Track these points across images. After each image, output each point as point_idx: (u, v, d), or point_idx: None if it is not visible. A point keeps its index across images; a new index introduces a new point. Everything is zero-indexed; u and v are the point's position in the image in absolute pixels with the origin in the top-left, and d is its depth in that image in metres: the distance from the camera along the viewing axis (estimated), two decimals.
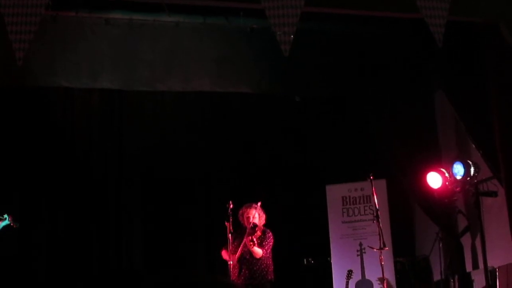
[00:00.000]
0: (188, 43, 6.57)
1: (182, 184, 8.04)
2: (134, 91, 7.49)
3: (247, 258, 6.36)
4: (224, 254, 6.46)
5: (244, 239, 6.31)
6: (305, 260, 7.88)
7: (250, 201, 6.60)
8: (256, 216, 6.47)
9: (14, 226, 6.33)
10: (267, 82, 6.96)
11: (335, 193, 7.96)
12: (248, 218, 6.45)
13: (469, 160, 7.00)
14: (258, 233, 6.45)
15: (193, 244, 7.94)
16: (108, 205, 7.84)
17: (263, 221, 6.57)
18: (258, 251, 6.33)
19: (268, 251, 6.43)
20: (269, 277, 6.40)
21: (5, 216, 6.26)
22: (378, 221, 6.37)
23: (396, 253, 7.64)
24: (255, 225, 6.43)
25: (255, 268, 6.34)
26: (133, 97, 7.95)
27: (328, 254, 7.79)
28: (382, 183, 7.56)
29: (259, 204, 6.52)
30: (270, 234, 6.51)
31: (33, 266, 7.43)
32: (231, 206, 6.38)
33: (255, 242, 6.29)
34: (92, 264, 7.61)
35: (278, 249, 6.68)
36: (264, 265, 6.39)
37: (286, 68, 6.50)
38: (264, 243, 6.41)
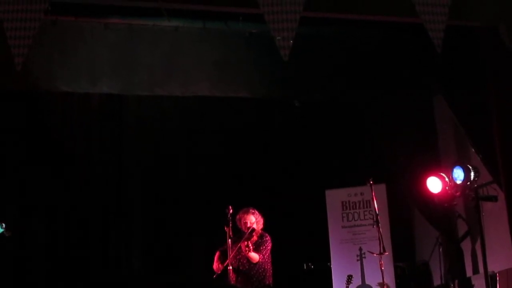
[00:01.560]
0: (188, 48, 6.57)
1: (182, 188, 8.04)
2: (133, 95, 7.50)
3: (243, 263, 6.34)
4: (215, 263, 6.41)
5: (240, 244, 6.28)
6: (305, 265, 7.86)
7: (249, 205, 6.58)
8: (253, 220, 6.45)
9: (7, 235, 6.28)
10: (266, 86, 6.96)
11: (334, 198, 7.95)
12: (246, 223, 6.44)
13: (469, 164, 6.98)
14: (255, 238, 6.42)
15: (192, 248, 7.93)
16: (107, 209, 7.83)
17: (261, 225, 6.55)
18: (254, 256, 6.30)
19: (265, 255, 6.40)
20: (267, 282, 6.38)
21: None
22: (378, 225, 6.36)
23: (396, 258, 7.63)
24: (253, 230, 6.41)
25: (252, 273, 6.32)
26: (133, 102, 7.95)
27: (328, 259, 7.78)
28: (382, 187, 7.55)
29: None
30: (268, 238, 6.48)
31: (32, 269, 7.42)
32: (231, 211, 6.36)
33: (251, 247, 6.25)
34: (91, 267, 7.60)
35: (278, 254, 6.66)
36: (262, 269, 6.37)
37: (285, 72, 6.49)
38: (261, 248, 6.38)
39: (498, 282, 6.56)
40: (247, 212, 6.47)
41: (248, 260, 6.32)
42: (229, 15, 6.26)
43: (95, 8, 6.21)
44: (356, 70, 6.94)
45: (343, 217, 7.89)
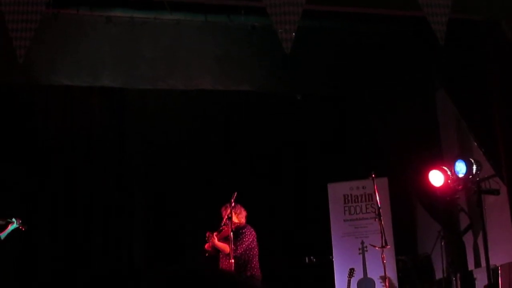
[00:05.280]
0: (190, 41, 6.56)
1: (183, 181, 8.05)
2: (135, 89, 7.49)
3: (224, 255, 6.39)
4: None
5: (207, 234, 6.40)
6: (307, 258, 7.86)
7: (251, 198, 6.59)
8: (232, 214, 6.46)
9: (23, 229, 6.46)
10: (268, 80, 6.95)
11: (336, 191, 7.95)
12: (224, 217, 6.48)
13: (471, 158, 6.98)
14: (225, 230, 6.40)
15: (193, 240, 7.93)
16: (109, 202, 7.85)
17: (242, 218, 6.56)
18: (221, 246, 6.35)
19: (241, 248, 6.39)
20: (248, 273, 6.36)
21: (13, 219, 6.38)
22: (380, 219, 6.35)
23: (398, 251, 7.63)
24: (224, 223, 6.45)
25: (232, 263, 6.28)
26: (134, 95, 7.95)
27: (330, 252, 7.78)
28: (384, 181, 7.54)
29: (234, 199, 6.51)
30: (246, 231, 6.49)
31: (34, 264, 7.44)
32: (233, 203, 6.40)
33: (214, 235, 6.33)
34: (92, 261, 7.62)
35: (280, 247, 6.66)
36: (242, 261, 6.37)
37: (287, 66, 6.49)
38: (238, 239, 6.39)
39: (500, 275, 6.56)
40: (225, 207, 6.48)
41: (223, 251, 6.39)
42: (231, 8, 6.25)
43: (97, 1, 6.21)
44: (359, 64, 6.93)
45: (345, 210, 7.89)
